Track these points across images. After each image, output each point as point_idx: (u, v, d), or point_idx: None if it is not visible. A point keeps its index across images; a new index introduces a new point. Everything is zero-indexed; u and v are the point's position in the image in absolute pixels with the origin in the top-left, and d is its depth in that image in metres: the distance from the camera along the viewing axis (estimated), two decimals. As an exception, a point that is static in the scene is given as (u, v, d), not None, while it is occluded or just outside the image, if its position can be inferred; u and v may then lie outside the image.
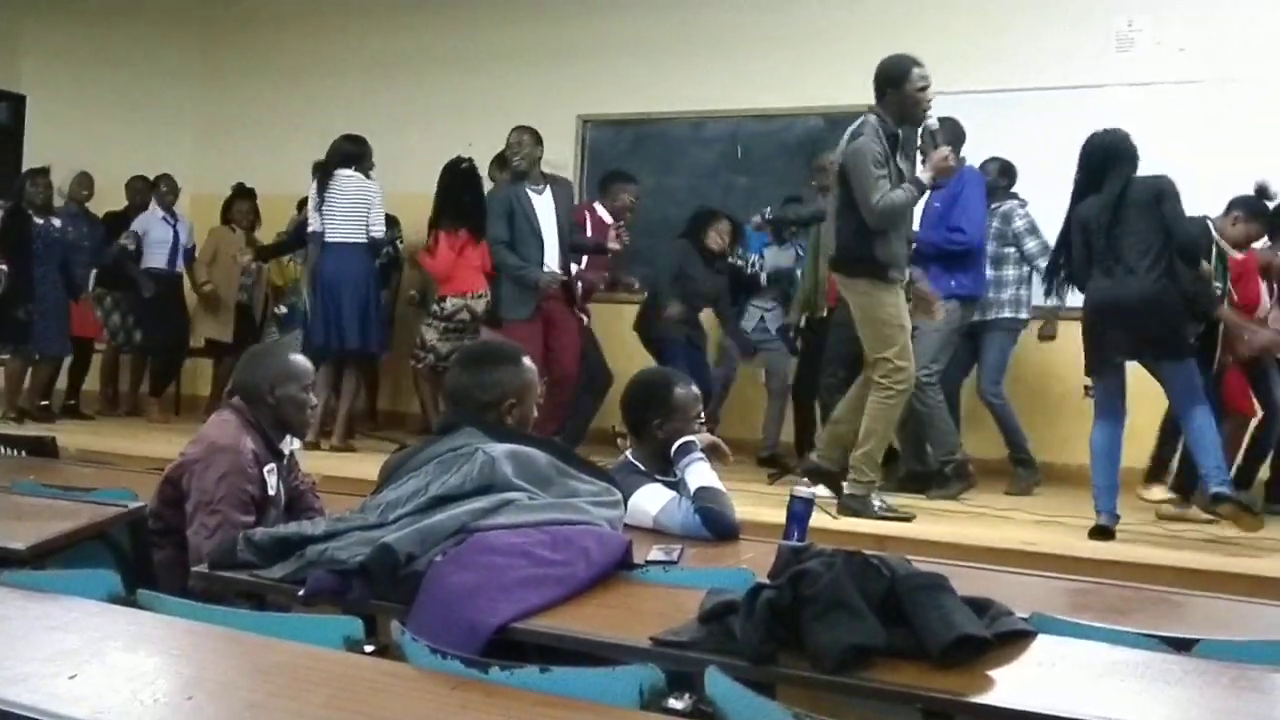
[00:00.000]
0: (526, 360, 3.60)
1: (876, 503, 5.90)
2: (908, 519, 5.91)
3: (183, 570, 3.41)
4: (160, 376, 9.69)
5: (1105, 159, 5.76)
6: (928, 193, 6.08)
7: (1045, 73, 8.08)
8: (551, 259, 7.45)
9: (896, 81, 5.79)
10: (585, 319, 8.10)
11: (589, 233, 8.06)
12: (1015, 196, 7.44)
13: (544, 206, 7.42)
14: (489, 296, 7.87)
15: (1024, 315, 7.42)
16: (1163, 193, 5.62)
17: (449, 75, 10.22)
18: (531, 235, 7.35)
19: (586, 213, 8.26)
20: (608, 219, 8.20)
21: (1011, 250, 7.34)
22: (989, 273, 7.23)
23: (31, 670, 2.05)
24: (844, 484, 5.93)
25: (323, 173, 8.00)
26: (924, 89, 5.78)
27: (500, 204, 7.46)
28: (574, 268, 7.90)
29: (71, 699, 1.93)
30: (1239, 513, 5.58)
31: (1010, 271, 7.35)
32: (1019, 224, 7.29)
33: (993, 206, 7.29)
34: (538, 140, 7.62)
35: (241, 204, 9.72)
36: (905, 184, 5.77)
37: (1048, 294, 6.37)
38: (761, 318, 8.53)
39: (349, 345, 7.96)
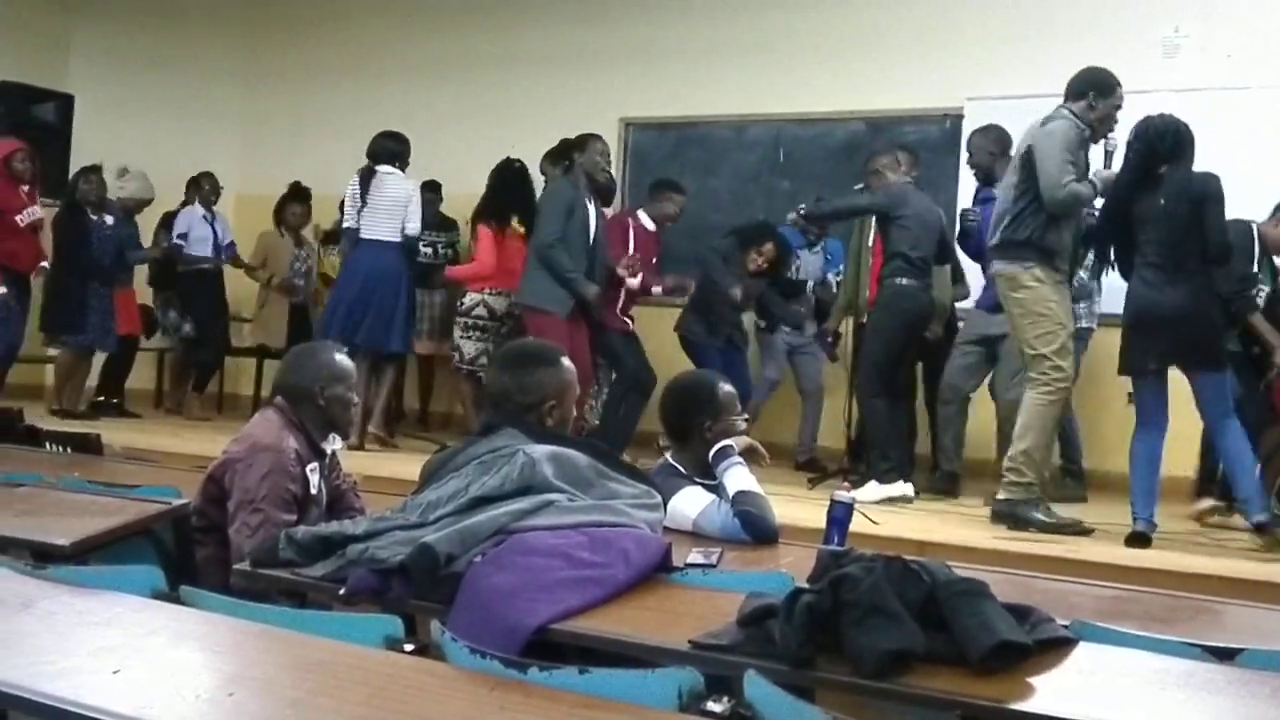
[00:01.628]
0: (565, 361, 3.61)
1: (1038, 513, 5.70)
2: (1083, 532, 5.70)
3: (225, 567, 3.43)
4: (204, 373, 9.75)
5: (1170, 146, 5.60)
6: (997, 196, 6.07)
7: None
8: (591, 267, 7.42)
9: (1105, 91, 5.77)
10: (630, 323, 8.08)
11: (631, 240, 8.03)
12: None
13: (593, 216, 7.42)
14: (510, 295, 7.89)
15: (1084, 324, 7.13)
16: (1207, 194, 5.54)
17: (492, 78, 10.25)
18: (584, 241, 7.31)
19: (630, 219, 8.25)
20: (650, 226, 8.20)
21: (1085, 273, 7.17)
22: None
23: (75, 665, 2.07)
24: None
25: (365, 169, 8.03)
26: (1120, 109, 5.80)
27: (563, 200, 7.34)
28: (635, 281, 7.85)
29: (114, 694, 1.94)
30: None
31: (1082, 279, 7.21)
32: None
33: None
34: None
35: (295, 205, 9.77)
36: (1089, 179, 5.74)
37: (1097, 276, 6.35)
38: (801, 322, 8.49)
39: (361, 341, 7.80)
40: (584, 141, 7.51)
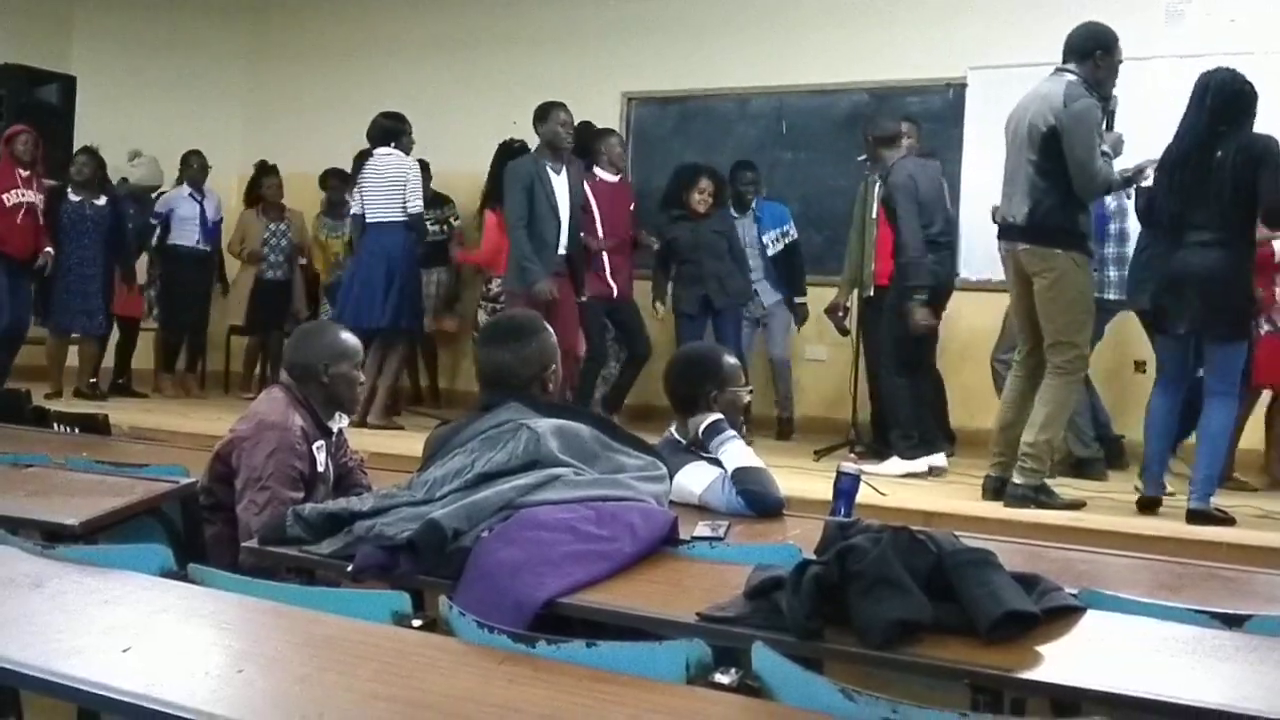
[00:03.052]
0: (546, 324, 3.65)
1: (1053, 494, 5.66)
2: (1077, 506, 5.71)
3: (233, 545, 3.44)
4: (170, 352, 9.82)
5: (1237, 106, 5.43)
6: None
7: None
8: (564, 239, 7.39)
9: (1110, 47, 5.62)
10: (614, 289, 8.04)
11: (593, 202, 7.98)
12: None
13: (561, 186, 7.37)
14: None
15: (1112, 295, 7.07)
16: (1267, 155, 5.29)
17: (494, 55, 10.23)
18: (550, 214, 7.28)
19: (585, 183, 8.03)
20: (611, 178, 8.20)
21: (1112, 245, 7.13)
22: None
23: (85, 643, 2.08)
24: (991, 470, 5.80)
25: (361, 152, 8.01)
26: (1121, 64, 5.68)
27: (522, 177, 7.30)
28: (594, 241, 7.88)
29: (125, 672, 1.95)
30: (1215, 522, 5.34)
31: (1110, 253, 7.16)
32: (1128, 223, 7.06)
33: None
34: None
35: (268, 179, 9.84)
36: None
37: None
38: (756, 292, 8.44)
39: (378, 324, 7.89)
40: (545, 111, 7.43)
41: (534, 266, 7.16)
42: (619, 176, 8.31)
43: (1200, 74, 5.56)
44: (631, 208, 8.41)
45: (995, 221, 5.98)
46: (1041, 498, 5.59)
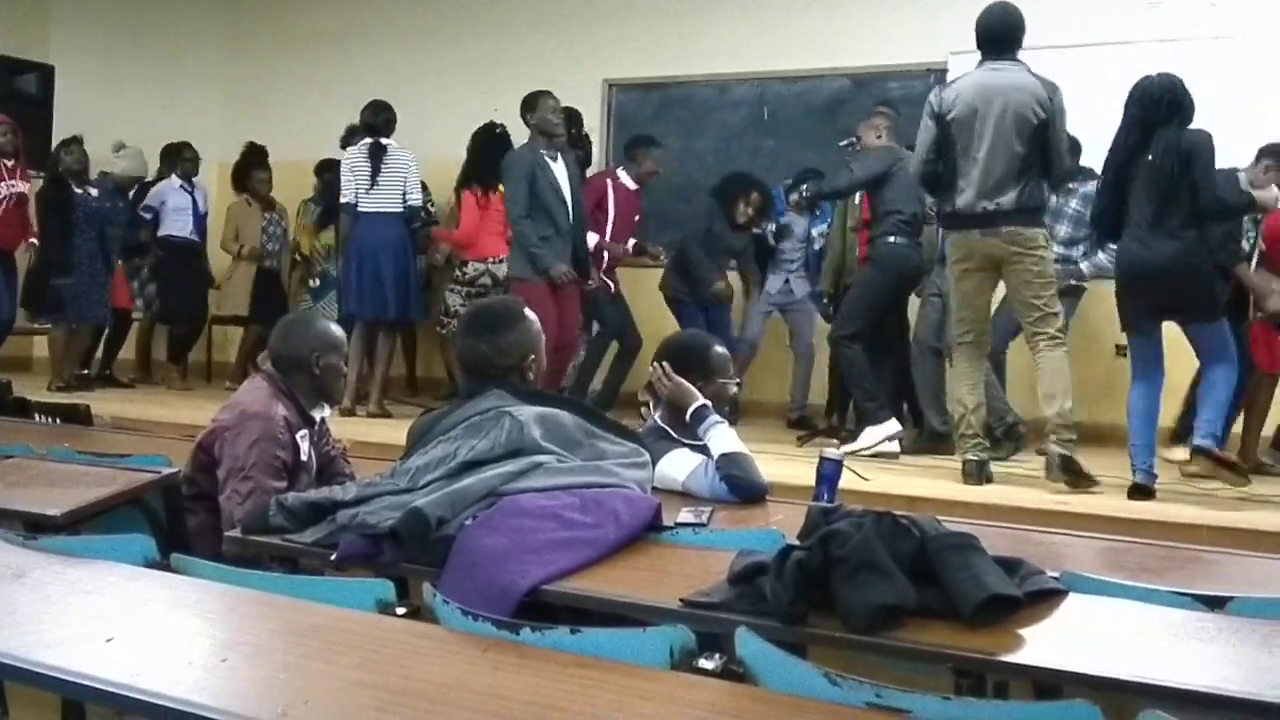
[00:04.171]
0: (529, 312, 3.61)
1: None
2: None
3: (216, 535, 3.43)
4: (178, 344, 9.77)
5: (1166, 108, 5.59)
6: None
7: (1074, 30, 7.98)
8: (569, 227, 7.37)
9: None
10: (612, 286, 8.10)
11: (611, 201, 8.04)
12: (1093, 174, 7.27)
13: (561, 173, 7.34)
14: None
15: (1085, 283, 7.33)
16: (1196, 150, 5.51)
17: (475, 41, 10.20)
18: (557, 201, 7.24)
19: (609, 180, 8.24)
20: (631, 185, 8.19)
21: (1086, 231, 7.18)
22: (1057, 250, 7.11)
23: (68, 634, 2.08)
24: (1053, 447, 5.84)
25: (373, 145, 7.97)
26: None
27: (522, 167, 7.24)
28: (594, 238, 7.86)
29: (108, 662, 1.95)
30: (1217, 468, 5.52)
31: (1080, 248, 7.26)
32: None
33: (1071, 186, 7.15)
34: None
35: (259, 172, 9.77)
36: None
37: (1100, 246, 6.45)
38: (787, 280, 8.49)
39: (388, 314, 7.99)
40: (533, 101, 7.37)
41: (543, 252, 7.12)
42: (637, 189, 8.29)
43: (1133, 85, 5.75)
44: (637, 219, 8.41)
45: (939, 213, 6.21)
46: (1077, 465, 5.74)
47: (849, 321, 7.00)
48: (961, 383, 6.08)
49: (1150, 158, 5.57)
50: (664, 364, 3.98)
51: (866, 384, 6.91)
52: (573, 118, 8.16)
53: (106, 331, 9.52)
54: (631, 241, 8.30)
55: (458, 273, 8.30)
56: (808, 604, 2.27)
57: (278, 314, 9.29)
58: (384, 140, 8.03)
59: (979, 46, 5.98)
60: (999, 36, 5.90)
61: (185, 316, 9.66)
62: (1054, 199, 6.89)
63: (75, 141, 9.02)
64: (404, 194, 8.02)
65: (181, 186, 9.56)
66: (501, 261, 7.98)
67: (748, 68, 9.30)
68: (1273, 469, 6.72)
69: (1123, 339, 6.95)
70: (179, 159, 9.60)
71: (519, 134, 7.91)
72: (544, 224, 7.17)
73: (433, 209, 9.36)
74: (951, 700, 1.76)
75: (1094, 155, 6.79)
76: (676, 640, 1.99)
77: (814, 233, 8.46)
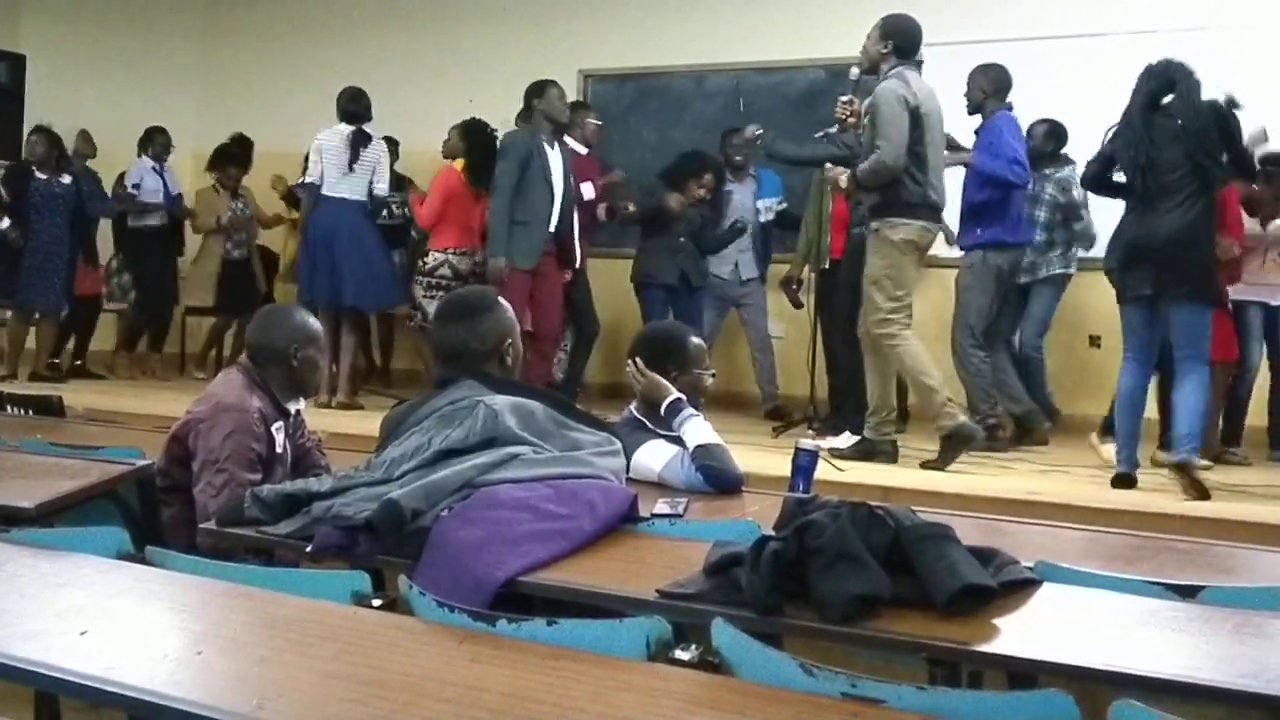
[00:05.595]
0: (503, 300, 3.63)
1: None
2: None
3: (190, 527, 3.42)
4: (138, 333, 9.76)
5: (1163, 81, 5.59)
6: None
7: (1046, 21, 8.02)
8: (555, 217, 7.36)
9: None
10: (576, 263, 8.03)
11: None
12: (1068, 160, 7.27)
13: (556, 162, 7.36)
14: (477, 256, 7.85)
15: (1071, 270, 7.33)
16: (1215, 106, 5.50)
17: (450, 31, 10.18)
18: (545, 189, 7.26)
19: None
20: (581, 150, 8.16)
21: (1062, 216, 7.22)
22: (1038, 236, 7.18)
23: (42, 627, 2.07)
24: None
25: (356, 132, 7.93)
26: None
27: (519, 148, 7.26)
28: (589, 188, 7.91)
29: (82, 655, 1.94)
30: (1192, 485, 5.39)
31: (1060, 234, 7.26)
32: (1077, 194, 7.07)
33: (1047, 172, 7.19)
34: None
35: (234, 169, 9.69)
36: None
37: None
38: (735, 265, 8.36)
39: (341, 300, 7.91)
40: (542, 87, 7.41)
41: (498, 244, 7.14)
42: (587, 151, 8.27)
43: (1141, 72, 5.69)
44: (606, 181, 8.38)
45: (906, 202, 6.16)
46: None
47: (845, 328, 6.86)
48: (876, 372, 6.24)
49: (1180, 122, 5.49)
50: (637, 360, 3.98)
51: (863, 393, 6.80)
52: (577, 108, 8.21)
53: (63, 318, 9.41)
54: (603, 206, 8.26)
55: (420, 262, 8.25)
56: (783, 594, 2.28)
57: (245, 303, 9.35)
58: (366, 129, 7.99)
59: (907, 53, 6.11)
60: (918, 45, 6.17)
61: (162, 306, 9.62)
62: (1030, 185, 6.93)
63: (42, 130, 8.96)
64: (370, 183, 7.98)
65: (154, 168, 9.50)
66: (463, 253, 7.95)
67: (723, 58, 9.31)
68: (1234, 458, 6.74)
69: (1096, 330, 7.00)
70: (151, 142, 9.54)
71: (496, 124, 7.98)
72: (523, 210, 7.18)
73: (407, 209, 9.29)
74: (926, 690, 1.76)
75: (1075, 146, 6.86)
76: (653, 631, 1.99)
77: (759, 205, 8.34)
